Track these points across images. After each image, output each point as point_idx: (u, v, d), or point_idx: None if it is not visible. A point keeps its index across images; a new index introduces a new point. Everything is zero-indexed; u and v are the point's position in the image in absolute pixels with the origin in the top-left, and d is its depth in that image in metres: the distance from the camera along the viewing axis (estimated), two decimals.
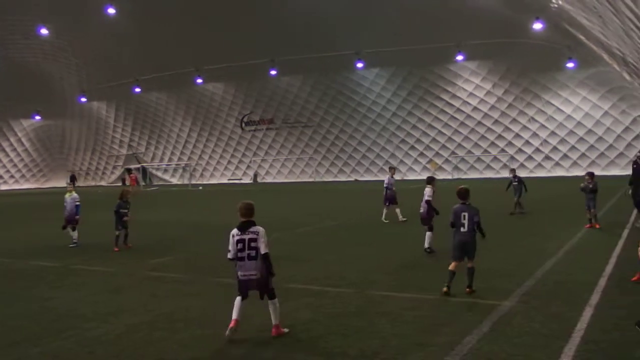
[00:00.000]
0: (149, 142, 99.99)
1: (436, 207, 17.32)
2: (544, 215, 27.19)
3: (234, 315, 9.40)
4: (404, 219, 25.26)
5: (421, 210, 17.60)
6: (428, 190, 17.58)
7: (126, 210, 20.25)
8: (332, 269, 14.86)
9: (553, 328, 9.19)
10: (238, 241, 9.43)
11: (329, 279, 13.67)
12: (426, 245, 17.05)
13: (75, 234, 21.47)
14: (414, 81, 76.28)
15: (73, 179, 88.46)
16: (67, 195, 21.95)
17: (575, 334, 8.86)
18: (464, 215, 11.86)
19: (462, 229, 11.85)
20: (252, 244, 9.38)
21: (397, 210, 25.81)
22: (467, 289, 11.80)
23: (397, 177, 29.63)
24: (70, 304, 12.17)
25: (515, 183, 28.25)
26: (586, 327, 9.15)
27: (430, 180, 18.04)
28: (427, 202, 17.41)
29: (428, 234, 17.15)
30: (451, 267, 11.84)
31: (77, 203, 21.64)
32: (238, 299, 9.50)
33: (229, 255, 9.54)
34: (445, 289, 11.65)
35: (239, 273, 9.52)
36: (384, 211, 26.24)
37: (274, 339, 9.14)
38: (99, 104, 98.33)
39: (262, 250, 9.33)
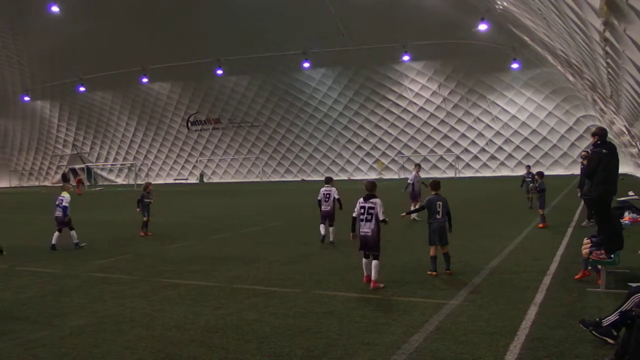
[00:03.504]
0: (94, 141, 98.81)
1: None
2: (490, 214, 27.46)
3: (365, 272, 12.76)
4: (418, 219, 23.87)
5: (328, 209, 19.06)
6: (335, 189, 19.20)
7: (149, 200, 24.05)
8: (278, 270, 14.83)
9: (499, 326, 9.27)
10: (361, 207, 12.66)
11: (275, 279, 13.63)
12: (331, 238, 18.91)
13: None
14: (360, 81, 76.78)
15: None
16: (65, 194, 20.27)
17: (521, 331, 8.95)
18: (439, 204, 13.71)
19: (437, 216, 13.67)
20: (370, 211, 12.51)
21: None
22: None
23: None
24: (14, 305, 11.90)
25: (529, 179, 28.29)
26: (531, 325, 9.26)
27: (329, 180, 19.80)
28: (338, 199, 19.10)
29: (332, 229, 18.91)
30: (431, 252, 13.68)
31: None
32: (364, 260, 12.73)
33: (354, 214, 12.84)
34: (434, 272, 13.43)
35: (360, 230, 12.65)
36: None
37: (219, 339, 9.05)
38: (42, 103, 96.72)
39: (381, 217, 12.47)
